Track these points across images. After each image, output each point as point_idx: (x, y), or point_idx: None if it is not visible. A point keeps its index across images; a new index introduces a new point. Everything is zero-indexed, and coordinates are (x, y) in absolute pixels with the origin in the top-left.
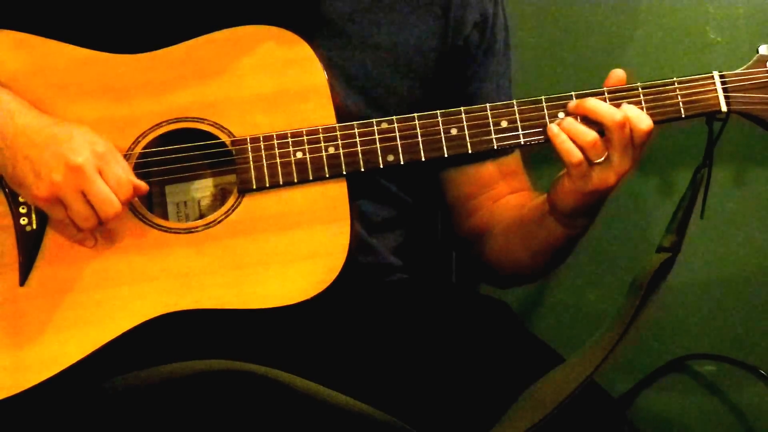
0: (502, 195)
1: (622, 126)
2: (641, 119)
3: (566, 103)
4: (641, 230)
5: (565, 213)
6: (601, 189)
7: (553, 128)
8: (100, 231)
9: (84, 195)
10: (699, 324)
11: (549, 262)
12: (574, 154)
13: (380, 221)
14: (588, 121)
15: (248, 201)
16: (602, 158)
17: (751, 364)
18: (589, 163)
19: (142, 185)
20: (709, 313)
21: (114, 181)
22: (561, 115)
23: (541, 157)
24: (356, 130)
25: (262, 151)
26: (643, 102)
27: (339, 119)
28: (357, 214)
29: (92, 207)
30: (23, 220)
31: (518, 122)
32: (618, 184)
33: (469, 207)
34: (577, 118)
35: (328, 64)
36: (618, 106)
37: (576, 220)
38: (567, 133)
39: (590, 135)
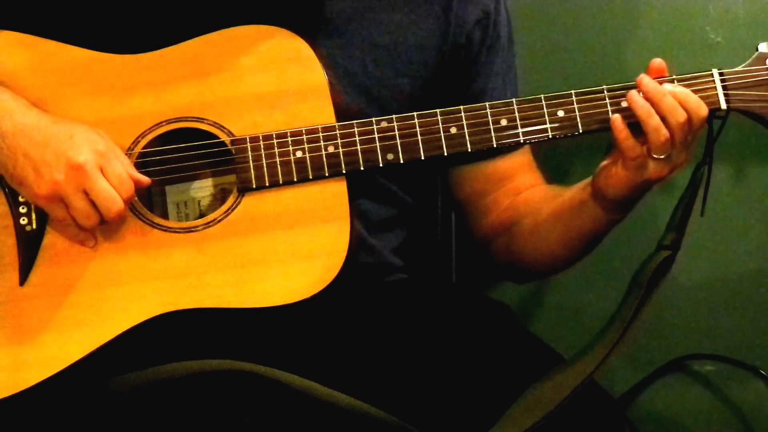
0: (523, 188)
1: (685, 125)
2: (700, 107)
3: (564, 101)
4: (641, 228)
5: (615, 200)
6: (655, 179)
7: (617, 121)
8: (100, 231)
9: (86, 193)
10: (699, 324)
11: (582, 251)
12: (635, 150)
13: (380, 221)
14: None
15: (248, 200)
16: (665, 155)
17: (751, 364)
18: (649, 154)
19: (144, 179)
20: (709, 313)
21: (116, 179)
22: (561, 113)
23: (549, 154)
24: (356, 129)
25: (262, 151)
26: None
27: (340, 118)
28: (357, 214)
29: (94, 205)
30: (23, 220)
31: (518, 120)
32: (672, 174)
33: (486, 203)
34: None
35: (329, 64)
36: (618, 104)
37: (624, 206)
38: (640, 115)
39: (663, 134)
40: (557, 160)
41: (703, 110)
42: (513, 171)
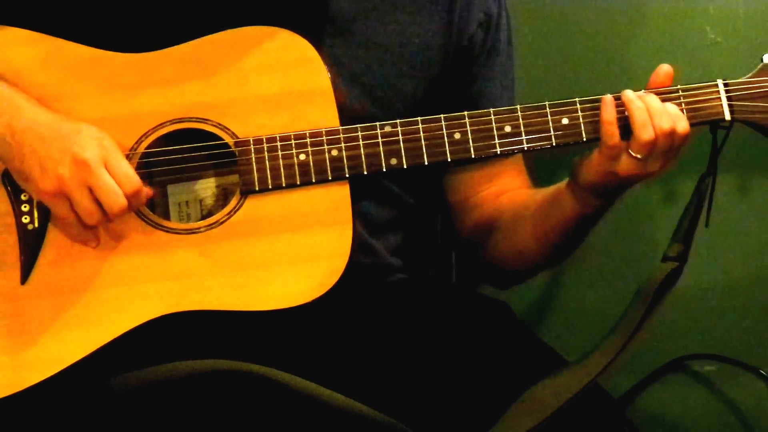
0: (507, 190)
1: (669, 134)
2: (680, 121)
3: (569, 109)
4: (642, 233)
5: (584, 186)
6: (623, 175)
7: (607, 101)
8: (102, 231)
9: (90, 190)
10: (699, 324)
11: (556, 248)
12: (614, 138)
13: (381, 222)
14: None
15: (251, 202)
16: (641, 156)
17: (751, 364)
18: (626, 150)
19: (147, 189)
20: (709, 314)
21: (121, 176)
22: (565, 121)
23: (544, 161)
24: (359, 133)
25: (265, 153)
26: None
27: (343, 118)
28: (357, 215)
29: (97, 202)
30: (25, 218)
31: (522, 128)
32: (640, 181)
33: (471, 202)
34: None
35: (333, 63)
36: (623, 112)
37: (591, 197)
38: (629, 109)
39: (648, 133)
40: (551, 167)
41: (684, 126)
42: (502, 173)
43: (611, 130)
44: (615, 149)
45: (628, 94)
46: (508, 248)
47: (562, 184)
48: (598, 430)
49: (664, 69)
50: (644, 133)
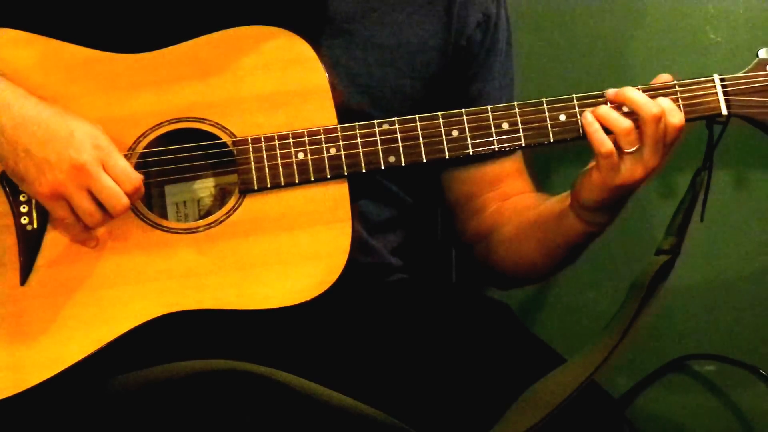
0: (510, 194)
1: (657, 120)
2: (674, 113)
3: (566, 106)
4: (641, 232)
5: (589, 207)
6: (627, 183)
7: (587, 116)
8: (101, 231)
9: (89, 192)
10: (699, 324)
11: (561, 262)
12: (605, 144)
13: (381, 221)
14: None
15: (249, 201)
16: (634, 148)
17: (751, 364)
18: (620, 152)
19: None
20: (709, 314)
21: (120, 175)
22: (562, 117)
23: (547, 159)
24: (358, 131)
25: (264, 152)
26: None
27: (342, 119)
28: (357, 214)
29: (98, 203)
30: (24, 219)
31: (519, 124)
32: (644, 181)
33: (473, 206)
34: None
35: (332, 64)
36: (620, 107)
37: (597, 216)
38: (601, 120)
39: (625, 122)
40: (549, 166)
41: (680, 118)
42: (503, 176)
43: (600, 137)
44: (611, 157)
45: (591, 113)
46: (512, 259)
47: (564, 203)
48: (597, 430)
49: (663, 78)
50: (621, 122)
